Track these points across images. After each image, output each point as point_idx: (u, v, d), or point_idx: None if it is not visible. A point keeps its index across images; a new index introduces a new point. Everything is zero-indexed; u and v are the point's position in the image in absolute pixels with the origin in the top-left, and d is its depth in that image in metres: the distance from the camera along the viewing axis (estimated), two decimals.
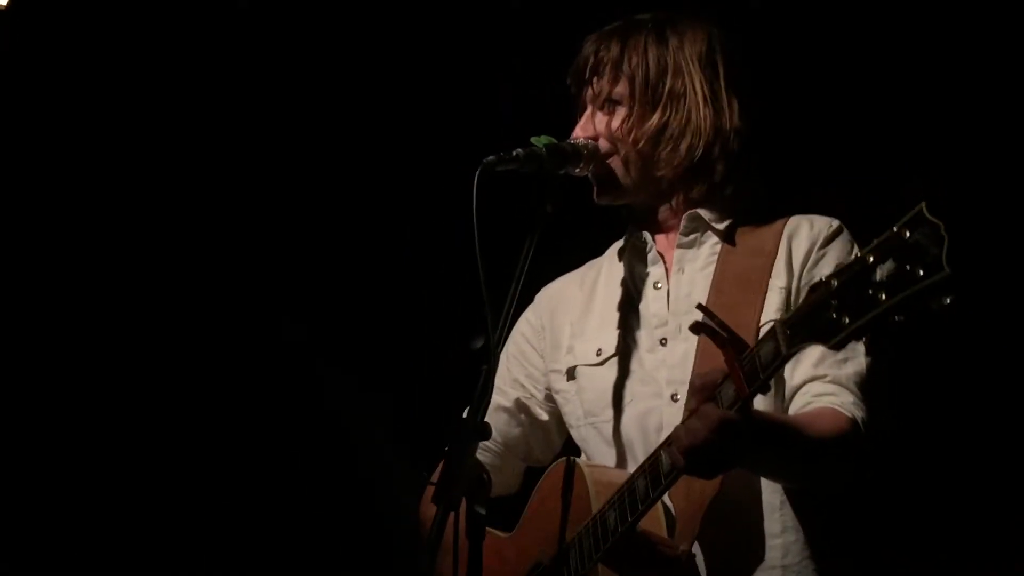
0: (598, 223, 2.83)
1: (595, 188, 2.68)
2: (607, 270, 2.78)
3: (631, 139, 2.63)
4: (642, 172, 2.65)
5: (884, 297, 1.91)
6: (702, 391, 2.23)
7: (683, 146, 2.61)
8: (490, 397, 2.42)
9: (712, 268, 2.62)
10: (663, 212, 2.69)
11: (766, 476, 2.49)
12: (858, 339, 1.98)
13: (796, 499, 2.49)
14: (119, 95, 3.73)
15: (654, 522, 2.43)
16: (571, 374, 2.71)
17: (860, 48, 3.67)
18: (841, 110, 3.69)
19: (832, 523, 2.54)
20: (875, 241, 1.96)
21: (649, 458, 2.39)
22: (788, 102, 3.58)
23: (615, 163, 2.66)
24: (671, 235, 2.68)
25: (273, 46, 3.82)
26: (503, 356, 2.75)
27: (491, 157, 2.49)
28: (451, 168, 2.69)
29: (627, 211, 2.75)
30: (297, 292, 3.75)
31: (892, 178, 3.65)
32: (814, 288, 2.05)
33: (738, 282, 2.56)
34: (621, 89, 2.65)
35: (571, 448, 2.77)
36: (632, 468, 2.53)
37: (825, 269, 2.52)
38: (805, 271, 2.55)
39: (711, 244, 2.65)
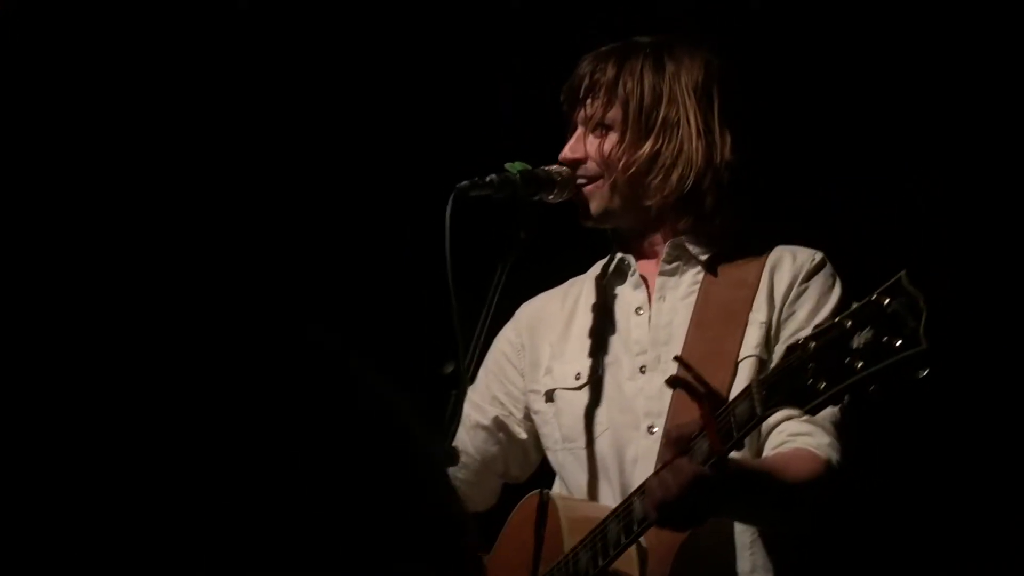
0: (584, 242, 2.83)
1: (580, 211, 2.66)
2: (588, 290, 2.76)
3: (621, 165, 2.60)
4: (630, 199, 2.63)
5: (860, 366, 1.94)
6: (677, 443, 2.25)
7: (674, 176, 2.58)
8: (458, 423, 2.44)
9: (693, 298, 2.61)
10: (649, 238, 2.67)
11: (741, 522, 2.49)
12: (834, 405, 2.02)
13: (767, 538, 2.49)
14: (118, 97, 3.74)
15: (626, 561, 2.43)
16: (550, 396, 2.69)
17: (858, 50, 3.64)
18: (837, 112, 3.66)
19: (802, 562, 2.54)
20: (854, 306, 1.98)
21: (623, 503, 2.39)
22: (785, 103, 3.57)
23: (603, 187, 2.63)
24: (655, 261, 2.66)
25: (273, 47, 3.81)
26: (482, 372, 2.75)
27: (464, 183, 2.49)
28: (450, 168, 2.69)
29: (612, 233, 2.74)
30: (298, 292, 3.77)
31: (889, 182, 3.63)
32: (791, 349, 2.07)
33: (719, 315, 2.55)
34: (614, 114, 2.62)
35: (548, 465, 2.77)
36: (606, 496, 2.54)
37: (806, 305, 2.53)
38: (786, 305, 2.54)
39: (693, 273, 2.63)
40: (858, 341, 1.95)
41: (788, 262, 2.58)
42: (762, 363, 2.49)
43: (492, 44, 3.86)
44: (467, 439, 2.75)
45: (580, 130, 2.67)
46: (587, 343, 2.68)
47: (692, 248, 2.63)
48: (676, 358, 2.29)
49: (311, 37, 3.83)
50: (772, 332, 2.52)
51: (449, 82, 3.85)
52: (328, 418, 0.92)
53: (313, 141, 3.83)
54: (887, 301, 1.92)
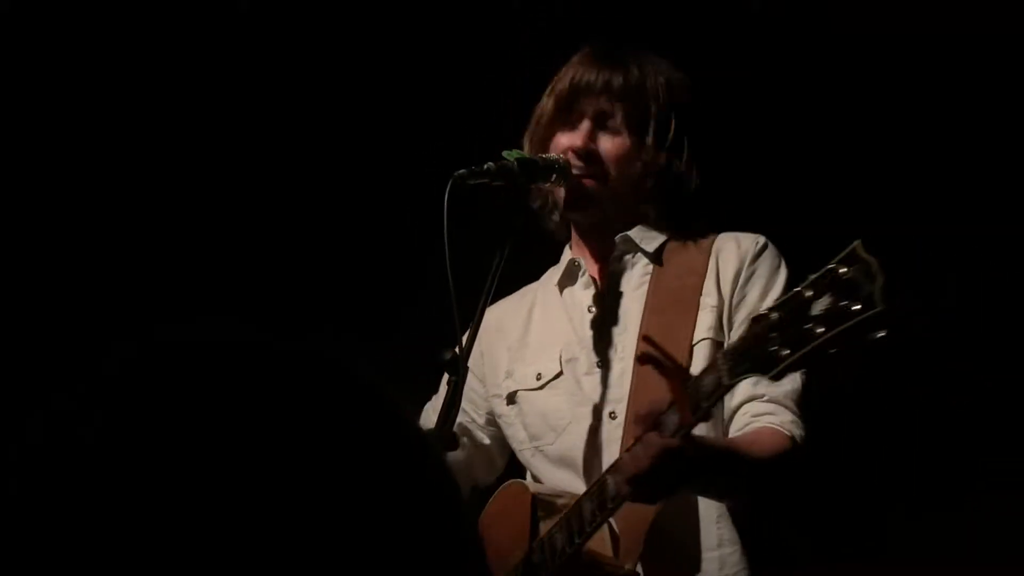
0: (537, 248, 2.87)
1: (567, 201, 2.70)
2: (542, 295, 2.84)
3: (637, 169, 2.67)
4: (622, 198, 2.68)
5: (821, 331, 2.01)
6: (646, 419, 2.31)
7: (676, 188, 2.68)
8: (458, 409, 2.47)
9: (644, 289, 2.69)
10: (604, 236, 2.74)
11: (709, 497, 2.56)
12: (796, 371, 2.10)
13: (733, 513, 2.57)
14: (116, 98, 3.76)
15: (600, 542, 2.50)
16: (511, 399, 2.76)
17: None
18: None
19: (768, 534, 2.62)
20: (812, 277, 2.05)
21: (596, 482, 2.47)
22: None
23: (606, 184, 2.68)
24: (605, 259, 2.74)
25: (274, 49, 3.83)
26: (443, 382, 2.79)
27: (462, 170, 2.53)
28: (450, 168, 2.70)
29: (567, 235, 2.81)
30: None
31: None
32: (756, 320, 2.14)
33: (670, 302, 2.63)
34: (634, 117, 2.67)
35: (513, 469, 2.84)
36: (576, 486, 2.60)
37: (756, 286, 2.62)
38: (736, 290, 2.62)
39: (643, 265, 2.71)
40: (818, 308, 2.02)
41: (732, 248, 2.66)
42: (717, 345, 2.57)
43: (492, 45, 3.86)
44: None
45: (588, 124, 2.69)
46: (544, 345, 2.76)
47: (640, 241, 2.71)
48: (645, 337, 2.36)
49: (311, 40, 3.83)
50: (724, 316, 2.61)
51: (449, 82, 3.85)
52: (333, 425, 0.90)
53: (314, 129, 3.84)
54: (843, 269, 1.99)
